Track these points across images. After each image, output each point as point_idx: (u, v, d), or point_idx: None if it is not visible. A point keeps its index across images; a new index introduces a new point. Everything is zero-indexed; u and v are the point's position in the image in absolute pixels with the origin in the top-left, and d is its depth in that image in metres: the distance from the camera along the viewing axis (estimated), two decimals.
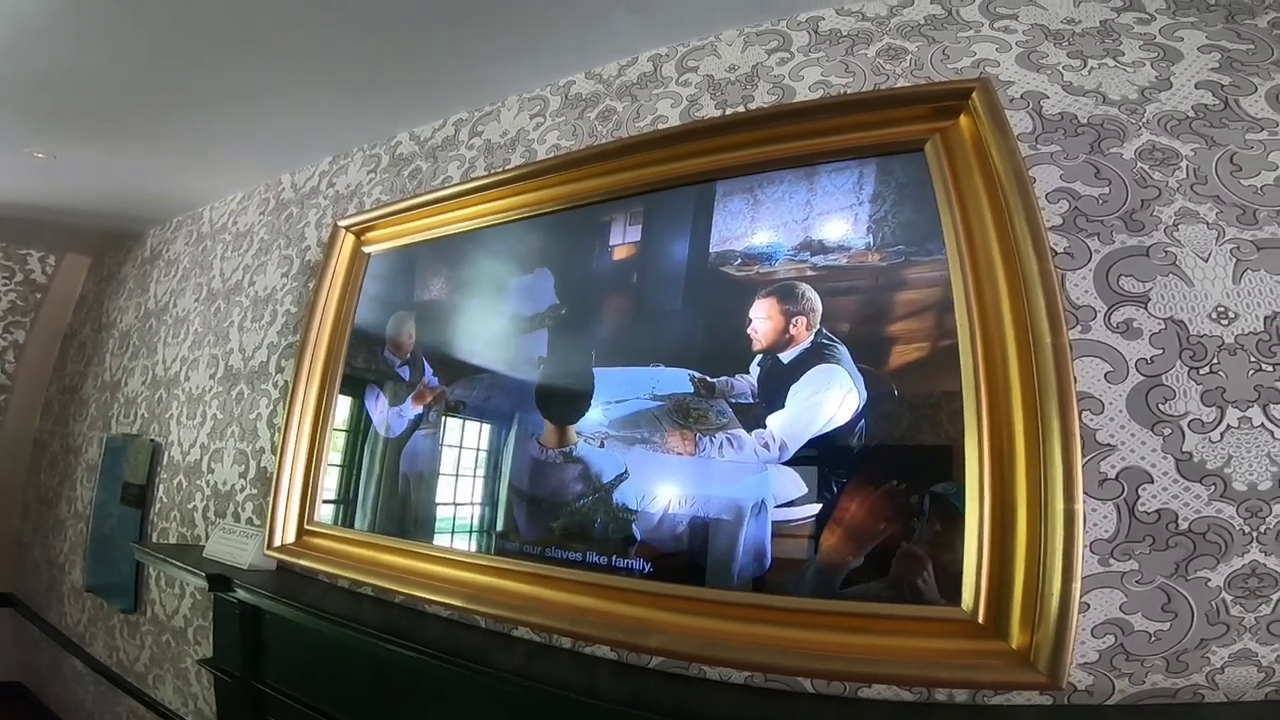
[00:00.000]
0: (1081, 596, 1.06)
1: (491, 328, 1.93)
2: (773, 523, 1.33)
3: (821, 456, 1.31)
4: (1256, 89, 1.23)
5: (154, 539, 2.92)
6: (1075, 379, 1.11)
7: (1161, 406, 1.12)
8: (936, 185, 1.32)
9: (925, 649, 1.12)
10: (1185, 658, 1.05)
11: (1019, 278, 1.18)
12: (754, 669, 1.27)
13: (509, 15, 1.84)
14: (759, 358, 1.44)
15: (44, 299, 4.45)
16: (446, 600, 1.66)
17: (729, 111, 1.72)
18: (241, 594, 2.00)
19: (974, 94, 1.31)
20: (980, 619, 1.10)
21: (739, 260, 1.52)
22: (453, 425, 1.93)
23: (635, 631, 1.35)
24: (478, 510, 1.80)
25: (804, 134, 1.49)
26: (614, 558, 1.48)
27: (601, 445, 1.59)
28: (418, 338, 2.09)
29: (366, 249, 2.32)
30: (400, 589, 1.76)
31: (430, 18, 1.86)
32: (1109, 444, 1.13)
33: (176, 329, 3.27)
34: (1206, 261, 1.15)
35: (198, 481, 2.76)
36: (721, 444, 1.43)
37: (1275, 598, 1.03)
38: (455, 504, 1.86)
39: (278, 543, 2.12)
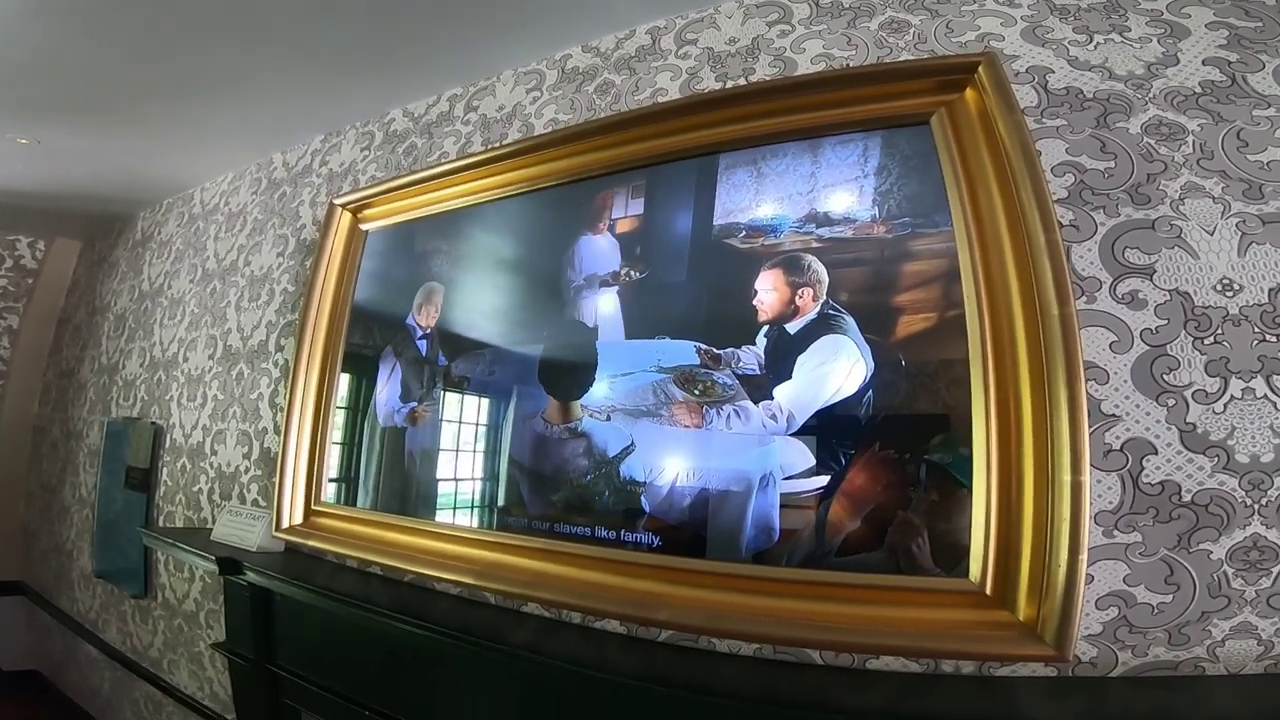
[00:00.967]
0: (1086, 569, 1.07)
1: (496, 302, 1.92)
2: (781, 494, 1.33)
3: (829, 427, 1.32)
4: (1264, 66, 1.22)
5: (160, 523, 2.94)
6: (1082, 349, 1.12)
7: (1166, 377, 1.13)
8: (943, 158, 1.31)
9: (933, 620, 1.13)
10: (1187, 630, 1.06)
11: (1026, 249, 1.18)
12: (763, 641, 1.29)
13: None
14: (765, 329, 1.44)
15: (35, 284, 4.41)
16: (456, 578, 1.67)
17: (730, 84, 1.70)
18: (251, 576, 2.01)
19: (980, 68, 1.29)
20: (988, 590, 1.11)
21: (743, 232, 1.52)
22: (456, 401, 1.93)
23: (645, 605, 1.37)
24: (481, 486, 1.81)
25: (807, 106, 1.47)
26: (622, 532, 1.50)
27: (608, 419, 1.59)
28: (442, 311, 2.05)
29: (364, 226, 2.30)
30: (409, 567, 1.78)
31: None
32: (1114, 415, 1.14)
33: (172, 310, 3.25)
34: (1212, 235, 1.15)
35: (201, 464, 2.77)
36: (729, 416, 1.43)
37: (1276, 571, 1.04)
38: (456, 479, 1.86)
39: (285, 524, 2.13)
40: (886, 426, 1.27)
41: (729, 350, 1.47)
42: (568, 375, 1.70)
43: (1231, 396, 1.09)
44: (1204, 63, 1.25)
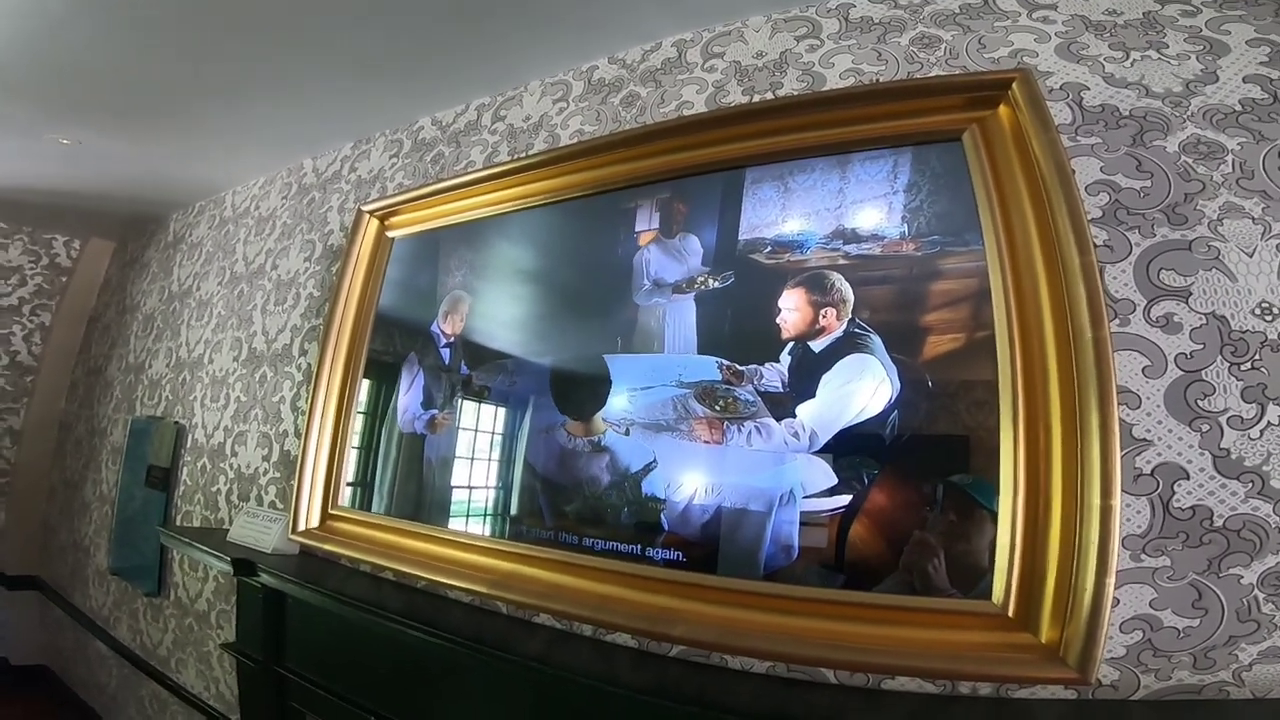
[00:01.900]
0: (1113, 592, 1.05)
1: (516, 312, 1.92)
2: (801, 513, 1.32)
3: (853, 447, 1.30)
4: None
5: (178, 522, 2.96)
6: (1115, 373, 1.09)
7: (1200, 402, 1.10)
8: (975, 176, 1.30)
9: (953, 642, 1.11)
10: (1213, 654, 1.04)
11: (1059, 270, 1.16)
12: (776, 659, 1.27)
13: None
14: (789, 346, 1.42)
15: (69, 282, 4.50)
16: (469, 586, 1.66)
17: (757, 98, 1.70)
18: (265, 578, 2.02)
19: (1014, 84, 1.28)
20: (1010, 613, 1.09)
21: (769, 248, 1.51)
22: (474, 410, 1.93)
23: (660, 620, 1.35)
24: (496, 494, 1.81)
25: (836, 122, 1.47)
26: (641, 546, 1.48)
27: (627, 433, 1.58)
28: (467, 321, 2.05)
29: (391, 233, 2.32)
30: (423, 574, 1.77)
31: (449, 1, 1.85)
32: (1145, 439, 1.12)
33: (200, 312, 3.29)
34: (1251, 257, 1.13)
35: (221, 464, 2.79)
36: (750, 433, 1.42)
37: None
38: (470, 487, 1.86)
39: (301, 527, 2.14)
40: (910, 446, 1.25)
41: (751, 366, 1.46)
42: (584, 389, 1.69)
43: (1269, 423, 1.06)
44: (1245, 80, 1.23)
